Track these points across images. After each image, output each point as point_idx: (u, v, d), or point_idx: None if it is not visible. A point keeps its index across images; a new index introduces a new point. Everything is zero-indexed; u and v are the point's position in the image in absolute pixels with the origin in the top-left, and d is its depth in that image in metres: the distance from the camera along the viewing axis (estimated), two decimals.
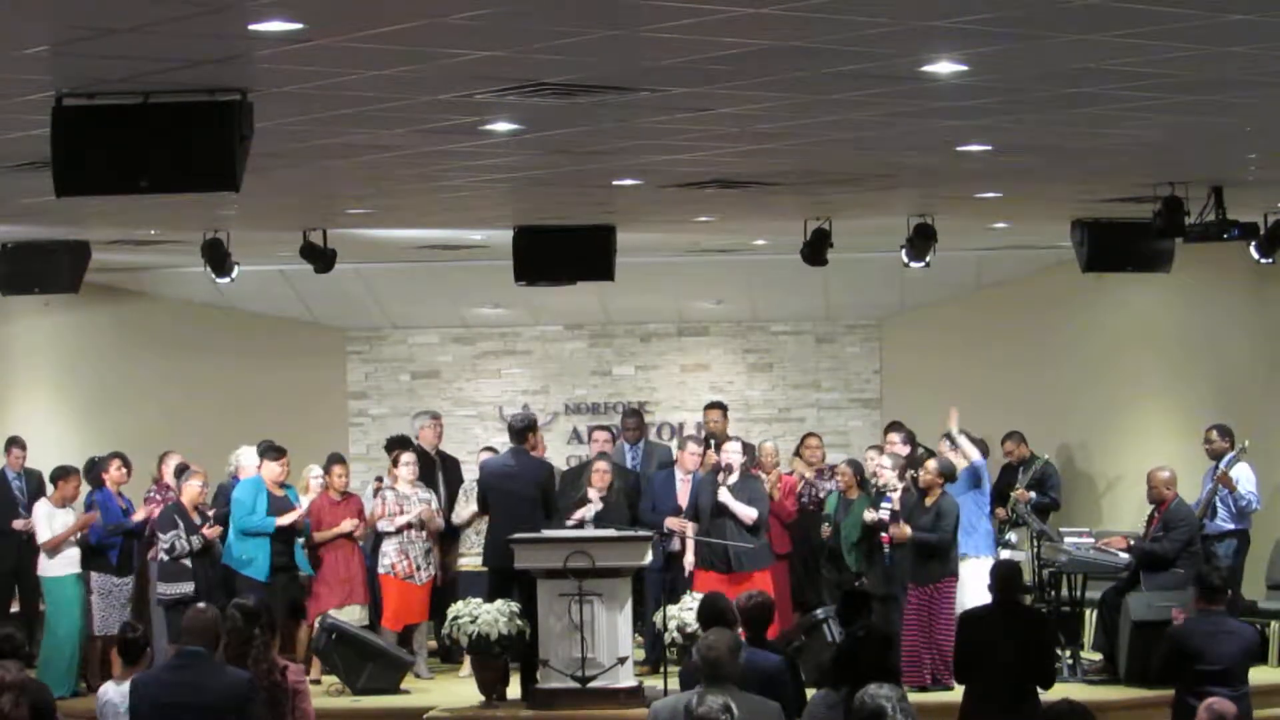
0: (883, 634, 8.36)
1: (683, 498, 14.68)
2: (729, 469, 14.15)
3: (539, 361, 19.45)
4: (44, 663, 14.16)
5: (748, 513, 14.00)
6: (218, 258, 14.86)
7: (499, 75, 8.41)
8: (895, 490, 14.05)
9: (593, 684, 12.85)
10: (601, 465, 14.45)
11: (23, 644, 9.31)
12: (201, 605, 9.00)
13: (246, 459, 15.14)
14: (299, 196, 13.13)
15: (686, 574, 14.35)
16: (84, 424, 17.95)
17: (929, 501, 13.76)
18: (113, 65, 7.90)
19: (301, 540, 14.65)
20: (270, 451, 14.68)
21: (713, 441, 15.26)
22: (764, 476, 14.83)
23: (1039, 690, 10.74)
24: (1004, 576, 10.91)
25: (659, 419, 19.02)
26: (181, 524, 14.14)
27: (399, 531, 14.71)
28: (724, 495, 14.02)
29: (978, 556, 14.33)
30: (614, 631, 12.93)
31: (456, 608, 13.56)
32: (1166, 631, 10.80)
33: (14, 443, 15.58)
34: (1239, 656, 10.25)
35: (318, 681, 14.49)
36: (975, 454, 14.93)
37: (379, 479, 15.59)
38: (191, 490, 14.37)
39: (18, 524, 14.80)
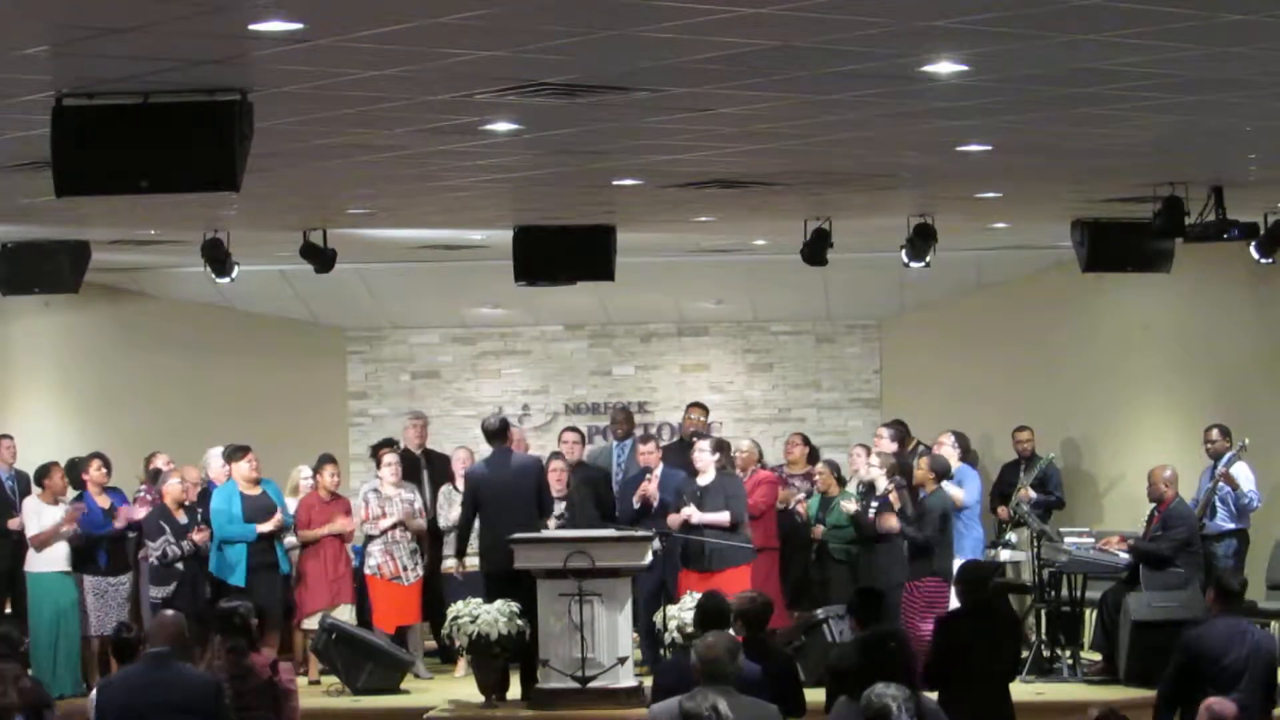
0: (904, 637, 8.40)
1: (651, 495, 14.64)
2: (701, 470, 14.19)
3: (539, 361, 19.45)
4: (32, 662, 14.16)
5: (719, 519, 13.94)
6: (218, 258, 14.86)
7: (499, 75, 8.41)
8: (887, 490, 14.06)
9: (593, 684, 12.86)
10: (555, 464, 14.70)
11: (20, 643, 9.35)
12: (169, 612, 9.04)
13: (215, 462, 15.08)
14: (299, 196, 13.12)
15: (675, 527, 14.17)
16: (84, 424, 17.94)
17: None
18: (113, 65, 7.90)
19: (289, 541, 14.61)
20: (235, 453, 14.64)
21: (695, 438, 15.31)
22: (740, 474, 14.82)
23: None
24: (970, 579, 10.82)
25: (659, 419, 19.01)
26: (167, 528, 14.15)
27: (382, 532, 14.72)
28: (695, 517, 13.89)
29: (975, 556, 14.41)
30: (614, 631, 12.94)
31: (456, 608, 13.55)
32: (1181, 636, 10.53)
33: (3, 438, 15.60)
34: (1254, 660, 10.16)
35: (317, 682, 14.51)
36: (964, 497, 15.10)
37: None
38: (173, 490, 14.37)
39: (12, 524, 14.78)
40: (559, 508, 14.49)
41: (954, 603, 13.29)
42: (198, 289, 17.71)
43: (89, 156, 8.47)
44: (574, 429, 16.31)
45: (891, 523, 13.64)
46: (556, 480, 14.61)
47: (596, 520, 14.44)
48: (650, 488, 14.44)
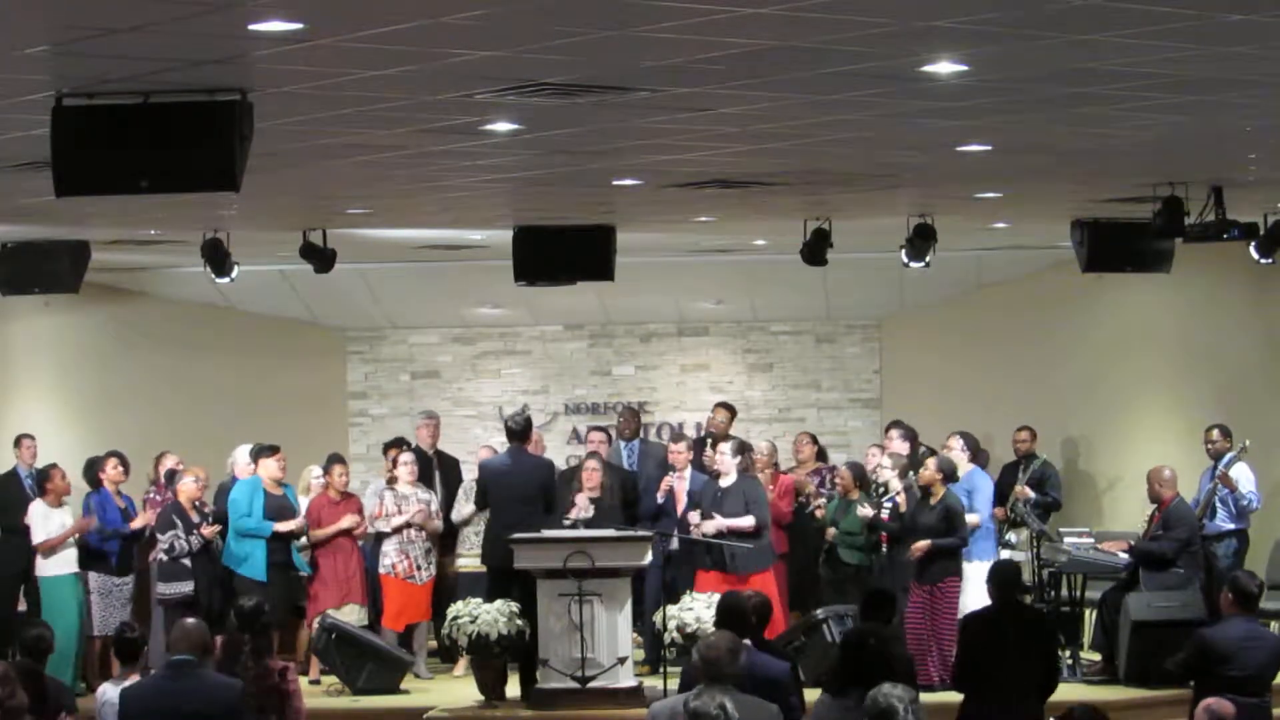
0: (893, 635, 8.35)
1: (679, 495, 14.64)
2: (723, 472, 14.12)
3: (539, 361, 19.45)
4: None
5: (744, 524, 13.90)
6: (218, 258, 14.86)
7: (499, 75, 8.41)
8: (898, 491, 14.05)
9: (592, 684, 12.86)
10: (591, 464, 14.49)
11: (50, 647, 9.38)
12: (190, 620, 9.05)
13: (242, 458, 15.17)
14: (299, 196, 13.13)
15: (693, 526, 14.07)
16: (84, 424, 17.93)
17: (933, 501, 13.75)
18: (113, 65, 7.90)
19: (300, 542, 14.65)
20: (264, 451, 14.68)
21: (711, 440, 15.31)
22: (760, 477, 14.79)
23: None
24: (1003, 578, 10.79)
25: (659, 419, 19.02)
26: (180, 523, 14.18)
27: (397, 531, 14.73)
28: (717, 523, 13.83)
29: (982, 560, 14.35)
30: (614, 631, 12.94)
31: (456, 608, 13.57)
32: (1195, 632, 10.57)
33: (24, 438, 15.63)
34: (1268, 664, 10.17)
35: (317, 681, 14.51)
36: (978, 518, 15.04)
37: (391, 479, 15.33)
38: (188, 488, 14.41)
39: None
40: (589, 510, 14.34)
41: (965, 603, 13.31)
42: (198, 289, 17.71)
43: (89, 156, 8.47)
44: (600, 428, 16.32)
45: (925, 545, 13.54)
46: (588, 480, 14.43)
47: (622, 519, 14.35)
48: (680, 485, 14.46)
